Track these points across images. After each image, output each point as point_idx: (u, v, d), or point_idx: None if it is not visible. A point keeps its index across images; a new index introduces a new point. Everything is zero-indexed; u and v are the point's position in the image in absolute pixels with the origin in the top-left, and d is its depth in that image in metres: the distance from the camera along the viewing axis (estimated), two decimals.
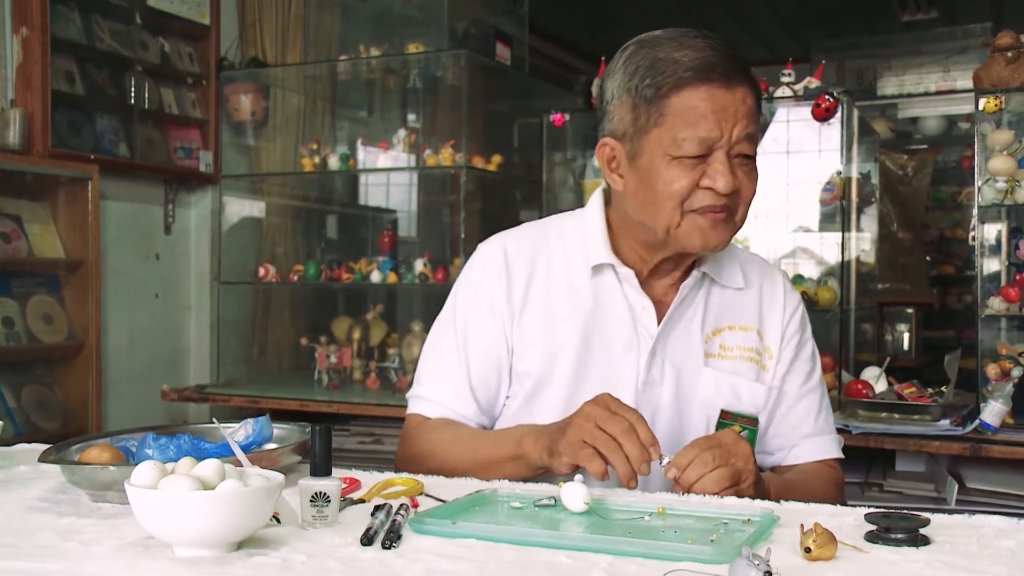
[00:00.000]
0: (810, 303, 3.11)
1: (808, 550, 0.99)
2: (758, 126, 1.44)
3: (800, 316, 1.62)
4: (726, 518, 1.15)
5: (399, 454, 1.59)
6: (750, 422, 1.52)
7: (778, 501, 1.27)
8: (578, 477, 1.19)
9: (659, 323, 1.52)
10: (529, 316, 1.54)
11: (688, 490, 1.26)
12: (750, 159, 1.44)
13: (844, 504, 1.50)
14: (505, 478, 1.38)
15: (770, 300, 1.60)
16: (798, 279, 3.31)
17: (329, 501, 1.13)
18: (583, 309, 1.53)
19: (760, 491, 1.32)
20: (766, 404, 1.57)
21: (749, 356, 1.56)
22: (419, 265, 3.59)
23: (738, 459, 1.28)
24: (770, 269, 1.66)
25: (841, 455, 1.62)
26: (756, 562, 0.89)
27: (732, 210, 1.44)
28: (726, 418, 1.51)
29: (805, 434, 1.59)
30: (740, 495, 1.26)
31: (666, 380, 1.52)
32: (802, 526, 1.01)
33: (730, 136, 1.39)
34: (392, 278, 3.63)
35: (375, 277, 3.65)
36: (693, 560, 0.98)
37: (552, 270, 1.56)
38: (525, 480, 1.39)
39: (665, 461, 1.27)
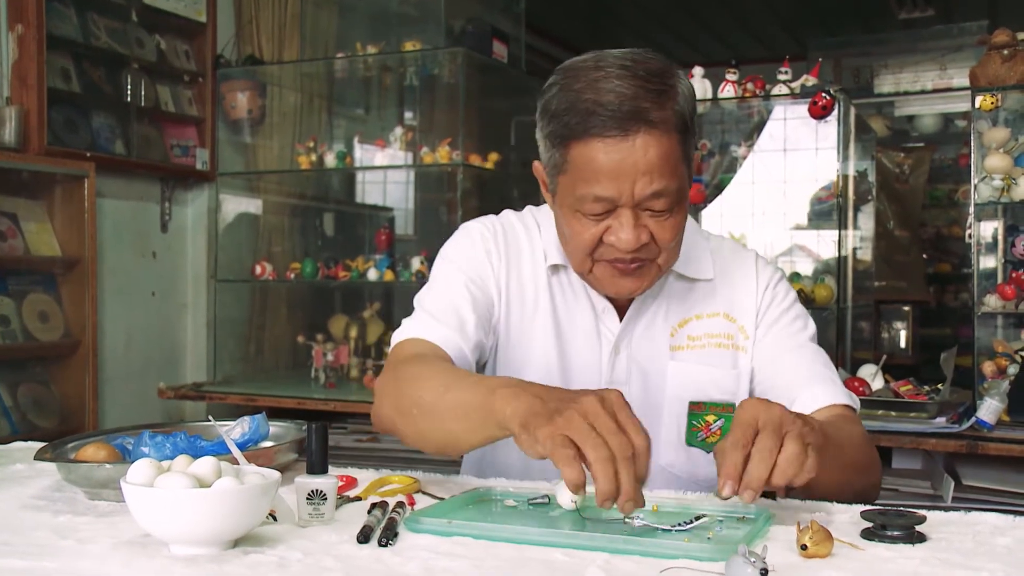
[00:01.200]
0: (807, 301, 3.12)
1: (804, 547, 0.99)
2: (674, 177, 1.30)
3: (776, 286, 1.53)
4: (721, 515, 1.15)
5: (383, 375, 1.41)
6: (725, 410, 1.47)
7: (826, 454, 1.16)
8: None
9: (621, 321, 1.50)
10: (512, 297, 1.53)
11: (772, 489, 1.07)
12: (665, 210, 1.32)
13: (873, 450, 1.40)
14: (465, 434, 1.21)
15: (742, 281, 1.53)
16: (795, 276, 3.32)
17: (325, 499, 1.13)
18: (555, 302, 1.53)
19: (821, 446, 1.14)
20: (739, 388, 1.49)
21: (719, 342, 1.50)
22: (416, 263, 3.59)
23: (787, 424, 1.09)
24: (741, 252, 1.59)
25: (853, 403, 1.44)
26: (752, 559, 0.89)
27: (650, 258, 1.37)
28: (697, 409, 1.47)
29: (803, 384, 1.45)
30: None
31: (632, 378, 1.50)
32: (798, 523, 1.02)
33: (631, 193, 1.29)
34: (389, 276, 3.63)
35: (372, 275, 3.65)
36: (690, 558, 0.98)
37: (534, 258, 1.55)
38: (486, 441, 1.22)
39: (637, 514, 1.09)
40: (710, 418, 1.47)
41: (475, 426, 1.19)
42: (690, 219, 1.57)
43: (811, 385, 1.44)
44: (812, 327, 1.55)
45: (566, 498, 1.15)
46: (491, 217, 1.60)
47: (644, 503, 1.06)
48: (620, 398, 1.09)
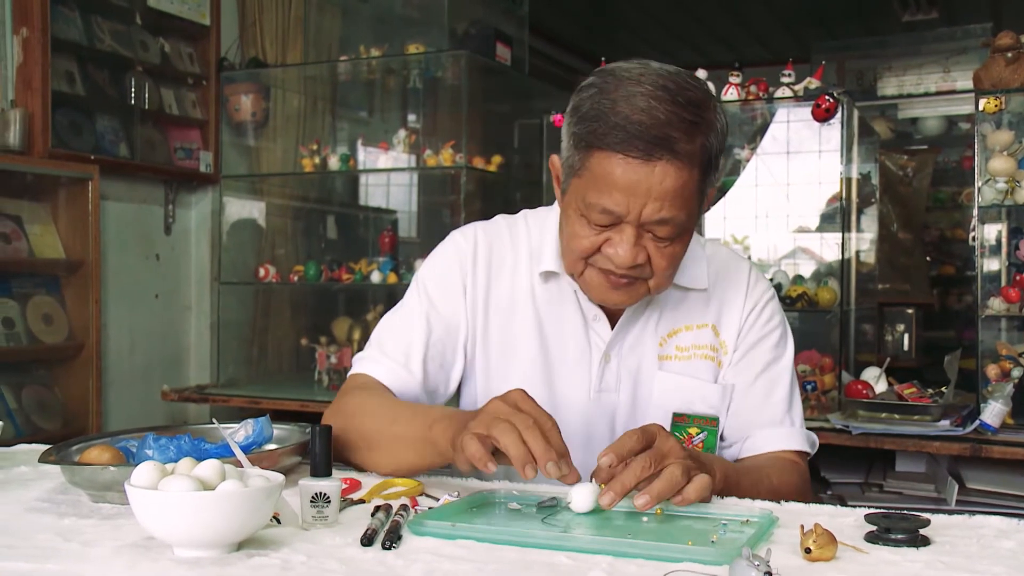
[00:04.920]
0: (810, 303, 3.11)
1: (808, 551, 0.99)
2: (684, 208, 1.30)
3: (763, 308, 1.54)
4: (725, 519, 1.15)
5: (329, 407, 1.51)
6: (708, 423, 1.48)
7: (731, 494, 1.27)
8: (587, 479, 1.19)
9: (612, 328, 1.50)
10: (492, 308, 1.54)
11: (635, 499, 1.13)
12: (667, 238, 1.33)
13: (808, 498, 1.45)
14: (414, 462, 1.33)
15: (732, 294, 1.54)
16: (798, 279, 3.31)
17: (329, 501, 1.13)
18: (540, 310, 1.53)
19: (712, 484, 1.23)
20: (723, 402, 1.51)
21: (704, 354, 1.51)
22: (419, 265, 3.59)
23: (672, 457, 1.17)
24: (736, 262, 1.58)
25: (804, 448, 1.52)
26: (756, 563, 0.89)
27: (642, 278, 1.37)
28: (681, 421, 1.48)
29: (760, 424, 1.50)
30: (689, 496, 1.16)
31: (622, 386, 1.50)
32: (802, 527, 1.01)
33: (638, 214, 1.29)
34: (392, 278, 3.63)
35: (375, 277, 3.66)
36: (693, 561, 0.98)
37: (517, 267, 1.55)
38: (434, 466, 1.34)
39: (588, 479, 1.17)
40: (693, 430, 1.48)
41: (419, 456, 1.33)
42: None
43: (765, 428, 1.50)
44: (789, 351, 1.56)
45: (579, 501, 1.15)
46: (476, 226, 1.60)
47: (569, 468, 1.14)
48: (520, 393, 1.21)
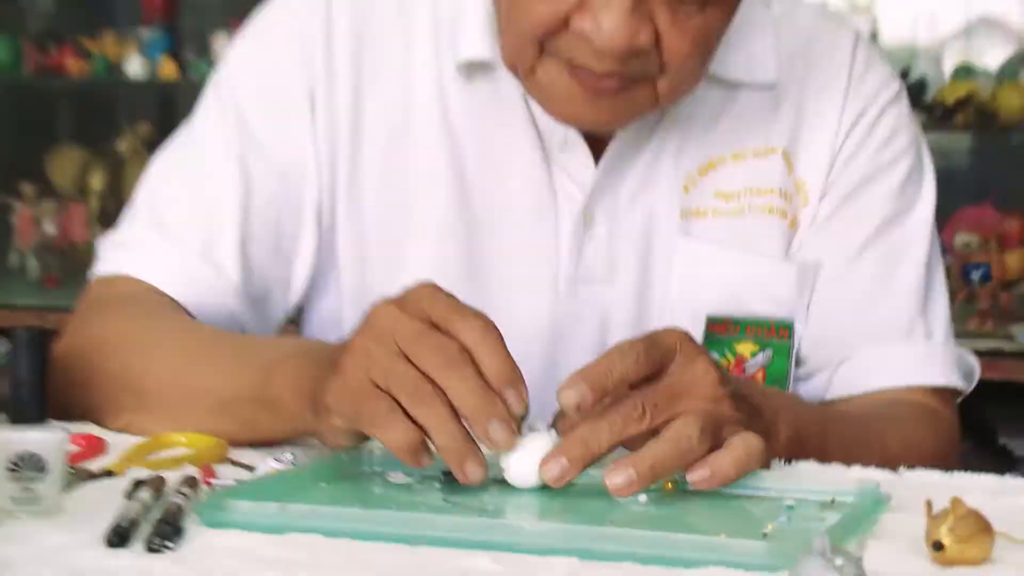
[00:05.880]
0: (983, 117, 3.17)
1: (939, 546, 1.02)
2: None
3: (877, 117, 1.59)
4: (794, 496, 1.19)
5: (65, 335, 1.54)
6: (774, 333, 1.52)
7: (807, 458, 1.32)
8: (539, 425, 1.21)
9: (596, 164, 1.54)
10: (367, 136, 1.58)
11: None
12: None
13: (949, 467, 1.48)
14: (234, 435, 1.36)
15: (819, 91, 1.58)
16: (963, 71, 3.37)
17: (43, 470, 1.15)
18: (457, 131, 1.56)
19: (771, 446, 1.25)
20: (803, 295, 1.56)
21: (767, 205, 1.56)
22: (219, 42, 3.59)
23: (693, 398, 1.18)
24: (831, 31, 1.63)
25: (953, 382, 1.58)
26: (838, 561, 0.92)
27: (644, 77, 1.39)
28: (721, 331, 1.52)
29: (869, 337, 1.56)
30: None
31: (618, 271, 1.56)
32: (929, 505, 1.04)
33: None
34: (169, 70, 3.66)
35: (133, 66, 3.66)
36: (727, 565, 1.00)
37: (412, 54, 1.58)
38: (273, 440, 1.36)
39: (541, 425, 1.20)
40: (744, 347, 1.52)
41: (243, 425, 1.38)
42: None
43: (880, 344, 1.56)
44: (927, 204, 1.61)
45: (521, 469, 1.18)
46: None
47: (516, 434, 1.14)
48: (430, 289, 1.19)
